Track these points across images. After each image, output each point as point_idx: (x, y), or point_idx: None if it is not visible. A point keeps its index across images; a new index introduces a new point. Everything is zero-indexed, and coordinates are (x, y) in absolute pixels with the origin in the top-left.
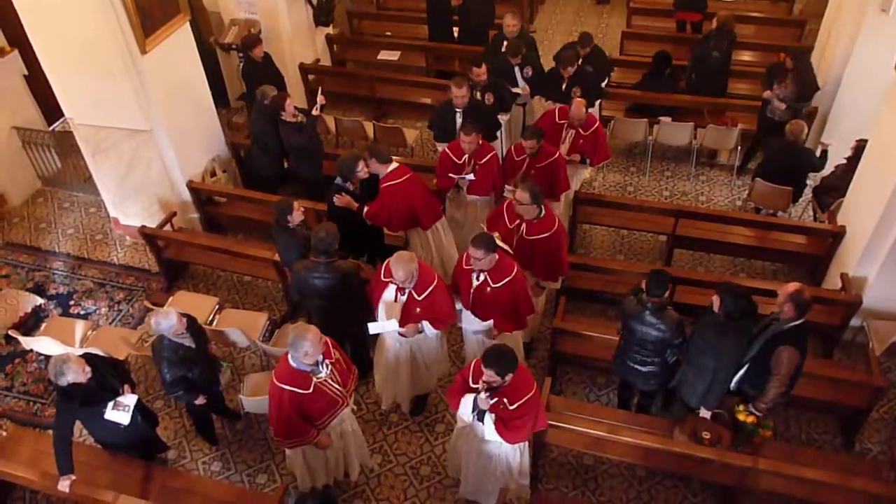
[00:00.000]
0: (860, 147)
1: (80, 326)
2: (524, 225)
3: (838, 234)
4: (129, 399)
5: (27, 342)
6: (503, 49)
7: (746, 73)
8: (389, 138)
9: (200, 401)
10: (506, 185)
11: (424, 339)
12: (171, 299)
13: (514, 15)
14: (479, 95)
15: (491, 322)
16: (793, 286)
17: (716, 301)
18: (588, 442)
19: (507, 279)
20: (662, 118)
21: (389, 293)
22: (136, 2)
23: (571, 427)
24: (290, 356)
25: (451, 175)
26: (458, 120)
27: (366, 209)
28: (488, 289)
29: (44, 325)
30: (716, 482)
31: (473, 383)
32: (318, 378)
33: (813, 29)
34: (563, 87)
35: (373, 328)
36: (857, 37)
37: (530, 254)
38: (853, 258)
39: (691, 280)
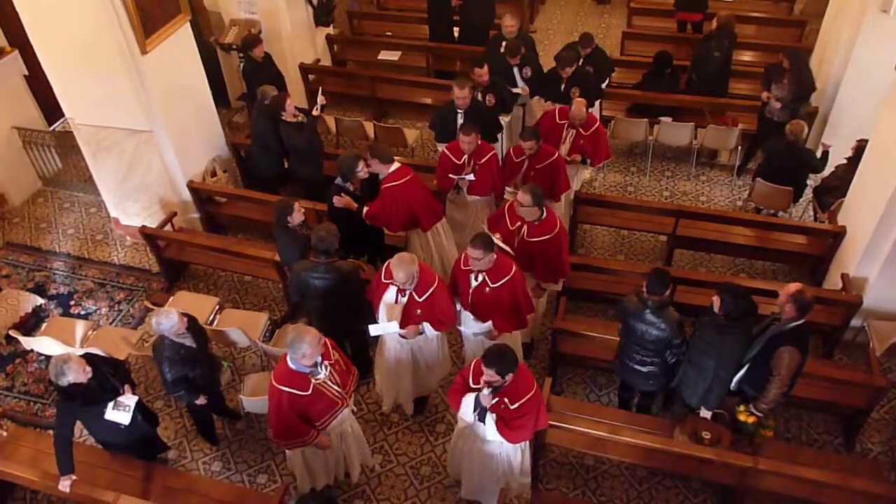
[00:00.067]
0: (861, 147)
1: (80, 326)
2: (525, 227)
3: (839, 235)
4: (130, 399)
5: (28, 342)
6: (502, 49)
7: (747, 73)
8: (390, 138)
9: (201, 401)
10: (506, 187)
11: (425, 340)
12: (171, 299)
13: (513, 15)
14: (479, 96)
15: (490, 323)
16: (794, 286)
17: (716, 301)
18: (589, 442)
19: (505, 279)
20: (663, 118)
21: (390, 295)
22: (136, 2)
23: (572, 427)
24: (288, 358)
25: (450, 175)
26: (460, 121)
27: (366, 210)
28: (487, 289)
29: (44, 326)
30: (716, 482)
31: (474, 383)
32: (316, 379)
33: (813, 29)
34: (562, 87)
35: (373, 330)
36: (858, 37)
37: (531, 256)
38: (854, 258)
39: (692, 280)
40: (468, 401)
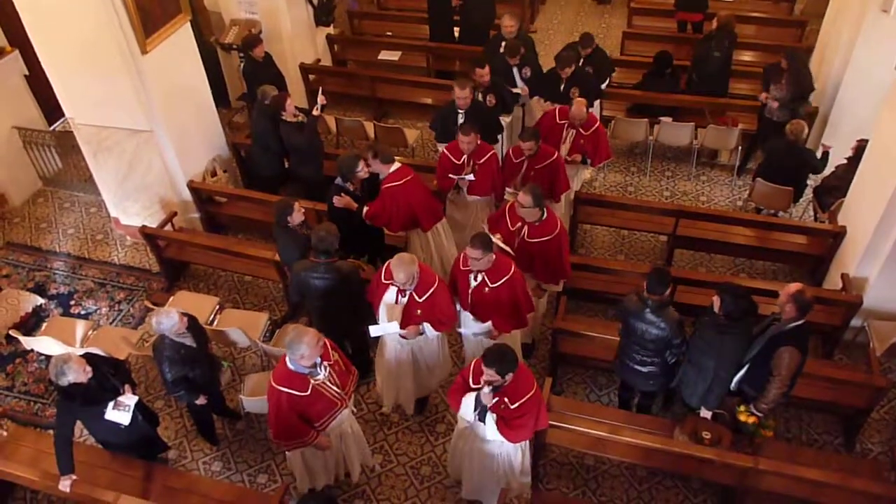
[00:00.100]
0: (861, 147)
1: (80, 326)
2: (526, 227)
3: (839, 235)
4: (130, 399)
5: (28, 342)
6: (501, 50)
7: (747, 73)
8: (390, 138)
9: (201, 401)
10: (506, 188)
11: (425, 340)
12: (171, 299)
13: (512, 16)
14: (480, 96)
15: (489, 324)
16: (795, 287)
17: (716, 301)
18: (589, 442)
19: (504, 278)
20: (663, 118)
21: (390, 295)
22: (136, 2)
23: (572, 427)
24: (287, 358)
25: (450, 175)
26: (461, 121)
27: (366, 210)
28: (486, 289)
29: (44, 325)
30: (716, 482)
31: (474, 383)
32: (315, 380)
33: (814, 29)
34: (562, 87)
35: (374, 331)
36: (858, 37)
37: (531, 256)
38: (854, 258)
39: (692, 280)
40: (468, 400)
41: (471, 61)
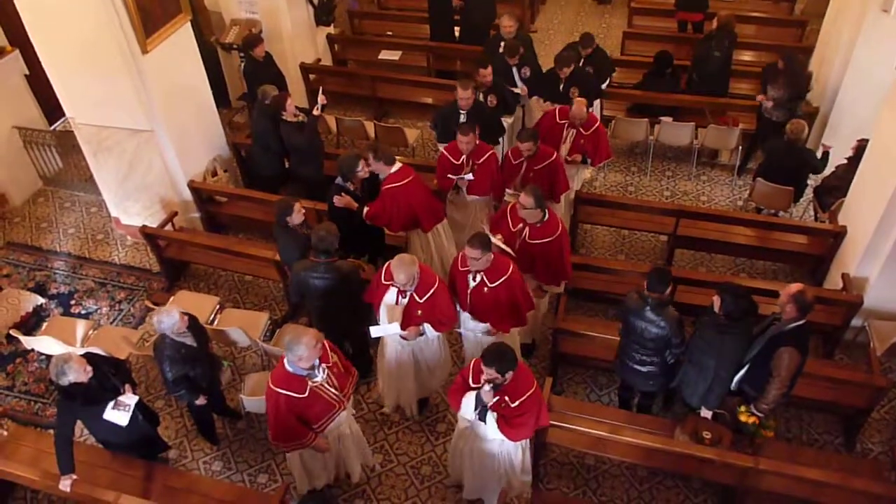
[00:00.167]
0: (861, 147)
1: (81, 326)
2: (527, 229)
3: (839, 234)
4: (130, 399)
5: (28, 342)
6: (501, 50)
7: (747, 73)
8: (390, 138)
9: (201, 401)
10: (506, 190)
11: (426, 341)
12: (172, 299)
13: (511, 16)
14: (481, 97)
15: (487, 326)
16: (795, 287)
17: (716, 301)
18: (589, 442)
19: (503, 278)
20: (663, 118)
21: (391, 296)
22: (136, 1)
23: (573, 427)
24: (285, 360)
25: (449, 176)
26: (463, 121)
27: (366, 210)
28: (485, 289)
29: (45, 325)
30: (717, 482)
31: (474, 383)
32: (313, 382)
33: (814, 29)
34: (561, 87)
35: (374, 332)
36: (858, 37)
37: (533, 258)
38: (854, 258)
39: (692, 280)
40: (468, 400)
41: (472, 61)
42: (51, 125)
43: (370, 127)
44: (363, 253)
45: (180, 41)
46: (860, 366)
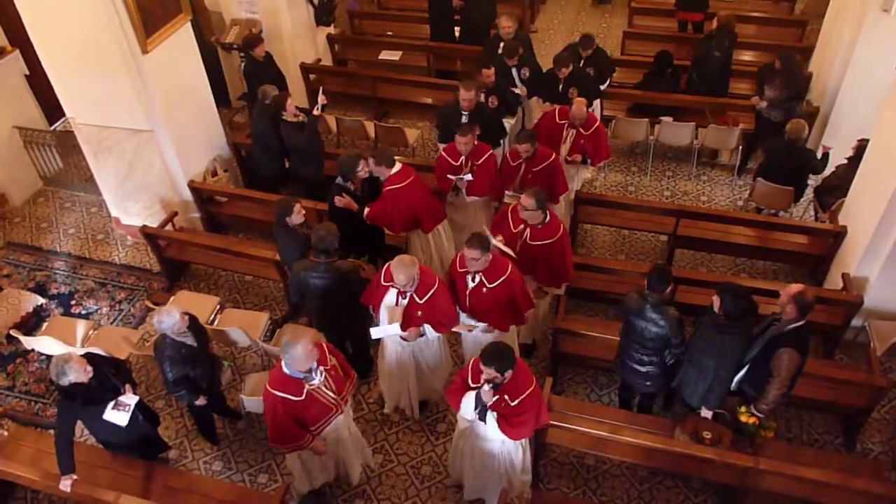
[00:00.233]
0: (861, 147)
1: (81, 326)
2: (528, 230)
3: (839, 234)
4: (130, 399)
5: (29, 342)
6: (500, 51)
7: (747, 72)
8: (391, 138)
9: (201, 401)
10: (505, 191)
11: (426, 342)
12: (172, 299)
13: (510, 17)
14: (482, 97)
15: (484, 325)
16: (796, 287)
17: (716, 301)
18: (589, 442)
19: (502, 278)
20: (664, 118)
21: (391, 297)
22: (137, 1)
23: (573, 427)
24: (283, 362)
25: (448, 176)
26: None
27: (367, 211)
28: (485, 289)
29: (45, 325)
30: (717, 482)
31: (473, 382)
32: (310, 385)
33: (814, 29)
34: (560, 87)
35: (375, 333)
36: (859, 37)
37: (534, 259)
38: (854, 258)
39: (692, 280)
40: (468, 400)
41: (472, 61)
42: (51, 125)
43: (370, 127)
44: (363, 253)
45: (180, 41)
46: (860, 366)
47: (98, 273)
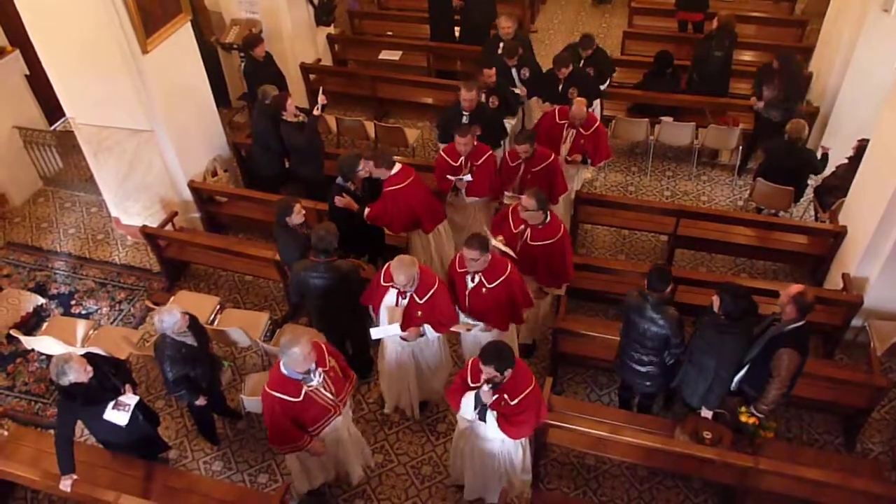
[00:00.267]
0: (861, 147)
1: (81, 326)
2: (529, 230)
3: (839, 234)
4: (130, 399)
5: (29, 342)
6: (500, 51)
7: (748, 72)
8: (391, 138)
9: (201, 401)
10: (505, 192)
11: (426, 342)
12: (172, 299)
13: (509, 17)
14: (483, 98)
15: (482, 325)
16: (796, 288)
17: (716, 301)
18: (589, 442)
19: (501, 278)
20: (664, 118)
21: (390, 297)
22: (137, 1)
23: (573, 427)
24: (281, 363)
25: (448, 177)
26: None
27: (367, 211)
28: (484, 290)
29: (45, 325)
30: (717, 482)
31: (473, 382)
32: (308, 386)
33: (814, 29)
34: (560, 87)
35: (375, 333)
36: (859, 37)
37: (534, 259)
38: (854, 258)
39: (693, 280)
40: (468, 400)
41: (472, 61)
42: (51, 125)
43: (370, 127)
44: (363, 253)
45: (180, 41)
46: (860, 366)
47: (98, 273)
